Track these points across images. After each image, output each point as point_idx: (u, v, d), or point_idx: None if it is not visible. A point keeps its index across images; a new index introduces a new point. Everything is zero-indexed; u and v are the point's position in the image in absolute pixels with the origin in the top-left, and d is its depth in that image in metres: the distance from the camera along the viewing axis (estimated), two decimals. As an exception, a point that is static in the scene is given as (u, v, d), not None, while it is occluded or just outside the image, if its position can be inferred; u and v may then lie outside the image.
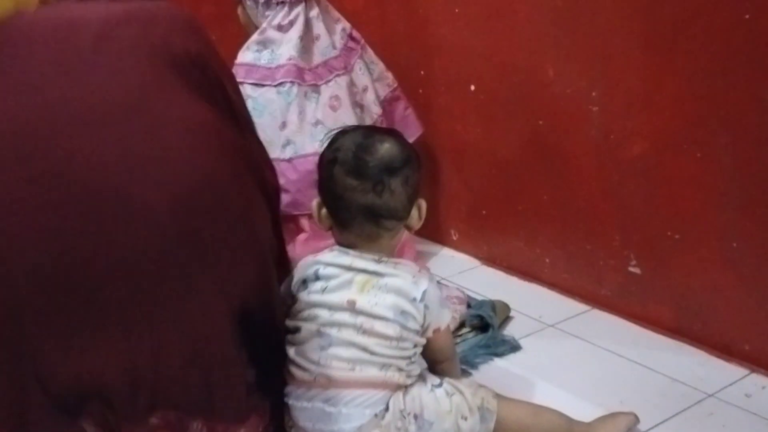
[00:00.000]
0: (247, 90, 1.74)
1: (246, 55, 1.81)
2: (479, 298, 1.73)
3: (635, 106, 1.50)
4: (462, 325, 1.64)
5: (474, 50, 1.82)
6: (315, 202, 1.25)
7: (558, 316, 1.67)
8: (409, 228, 1.25)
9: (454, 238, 2.08)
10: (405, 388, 1.19)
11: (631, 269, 1.60)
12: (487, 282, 1.87)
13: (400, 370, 1.18)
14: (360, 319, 1.16)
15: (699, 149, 1.41)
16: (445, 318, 1.23)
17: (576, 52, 1.59)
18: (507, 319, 1.68)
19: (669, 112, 1.44)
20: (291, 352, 1.20)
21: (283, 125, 1.77)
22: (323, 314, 1.18)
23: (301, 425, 1.20)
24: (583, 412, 1.27)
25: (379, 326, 1.16)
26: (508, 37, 1.73)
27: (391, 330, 1.16)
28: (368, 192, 1.18)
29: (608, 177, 1.60)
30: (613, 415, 1.27)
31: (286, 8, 1.80)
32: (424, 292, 1.18)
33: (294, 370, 1.19)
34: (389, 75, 1.93)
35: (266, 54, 1.80)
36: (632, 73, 1.48)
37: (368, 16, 2.09)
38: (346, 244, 1.23)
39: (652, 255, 1.55)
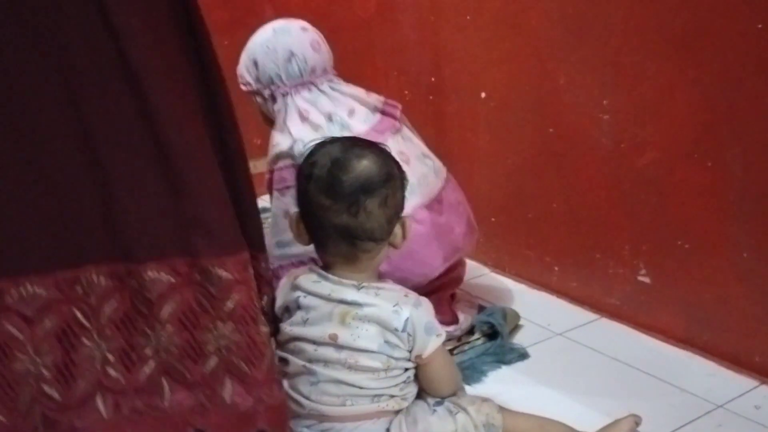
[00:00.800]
0: None
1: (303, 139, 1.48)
2: (488, 305, 1.73)
3: (646, 114, 1.49)
4: (471, 331, 1.64)
5: (485, 58, 1.82)
6: (293, 214, 1.20)
7: (566, 325, 1.66)
8: (393, 245, 1.20)
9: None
10: (406, 409, 1.17)
11: (641, 278, 1.59)
12: (496, 289, 1.86)
13: (392, 396, 1.16)
14: (344, 354, 1.14)
15: (710, 159, 1.40)
16: (430, 346, 1.15)
17: (587, 60, 1.58)
18: (516, 327, 1.67)
19: (680, 121, 1.44)
20: (285, 384, 1.18)
21: None
22: (308, 349, 1.16)
23: None
24: (590, 421, 1.26)
25: (364, 360, 1.13)
26: (520, 44, 1.73)
27: (377, 362, 1.14)
28: (342, 212, 1.12)
29: (618, 185, 1.59)
30: (615, 422, 1.25)
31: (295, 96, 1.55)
32: (406, 321, 1.13)
33: (290, 401, 1.18)
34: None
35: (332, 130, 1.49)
36: (644, 81, 1.48)
37: (379, 23, 2.09)
38: (324, 262, 1.20)
39: (661, 264, 1.55)
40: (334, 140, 1.19)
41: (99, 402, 0.96)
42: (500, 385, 1.46)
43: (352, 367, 1.14)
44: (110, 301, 0.96)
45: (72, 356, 0.95)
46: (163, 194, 0.95)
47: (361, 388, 1.14)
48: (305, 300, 1.17)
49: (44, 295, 0.93)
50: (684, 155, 1.44)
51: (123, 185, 0.94)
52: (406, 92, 2.05)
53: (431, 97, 2.01)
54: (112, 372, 0.97)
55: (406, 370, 1.17)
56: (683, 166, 1.45)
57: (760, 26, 1.28)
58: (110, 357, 0.96)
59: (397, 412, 1.17)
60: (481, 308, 1.71)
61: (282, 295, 1.22)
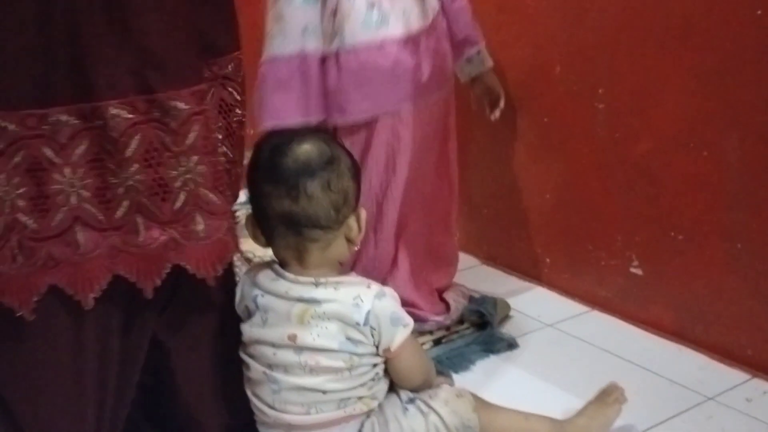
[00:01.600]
0: None
1: None
2: (479, 295, 1.71)
3: (642, 103, 1.48)
4: (461, 321, 1.62)
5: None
6: (246, 216, 1.14)
7: (557, 317, 1.64)
8: (350, 241, 1.12)
9: (455, 237, 2.05)
10: (378, 407, 1.12)
11: (633, 270, 1.57)
12: (487, 281, 1.84)
13: (360, 398, 1.10)
14: (304, 356, 1.08)
15: (706, 148, 1.38)
16: (398, 337, 1.09)
17: (584, 48, 1.57)
18: (506, 317, 1.65)
19: (676, 110, 1.42)
20: (248, 390, 1.15)
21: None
22: (267, 353, 1.10)
23: None
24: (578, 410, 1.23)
25: (325, 360, 1.07)
26: (516, 33, 1.72)
27: (339, 362, 1.08)
28: (283, 198, 1.07)
29: (612, 176, 1.57)
30: (600, 402, 1.20)
31: None
32: (368, 314, 1.07)
33: (254, 408, 1.15)
34: None
35: None
36: (640, 70, 1.46)
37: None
38: (279, 259, 1.13)
39: (654, 256, 1.53)
40: (281, 131, 1.16)
41: (78, 234, 0.98)
42: (488, 374, 1.44)
43: (313, 370, 1.08)
44: (80, 140, 0.97)
45: (44, 190, 0.97)
46: (116, 29, 0.96)
47: (324, 392, 1.08)
48: (263, 300, 1.12)
49: (12, 128, 0.95)
50: (679, 145, 1.42)
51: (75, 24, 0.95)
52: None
53: (426, 87, 1.99)
54: (89, 207, 0.99)
55: (375, 365, 1.11)
56: (678, 155, 1.43)
57: (759, 12, 1.26)
58: (85, 194, 0.98)
59: (368, 413, 1.12)
60: (472, 298, 1.68)
61: (242, 292, 1.16)
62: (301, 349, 1.08)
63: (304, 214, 1.07)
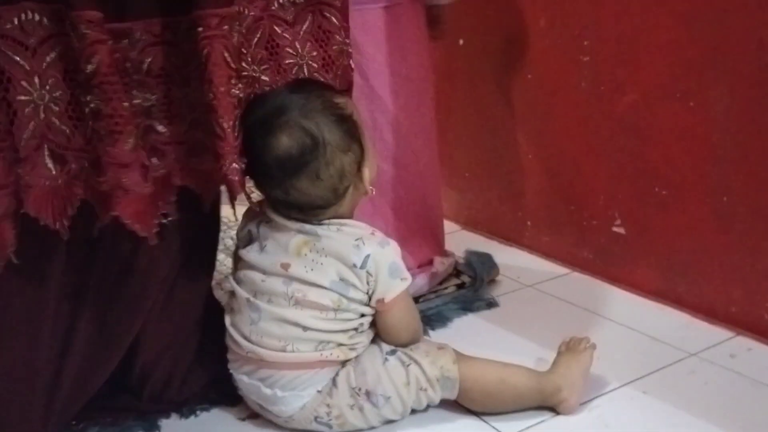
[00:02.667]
0: None
1: None
2: (460, 260, 1.66)
3: (627, 53, 1.43)
4: (454, 274, 1.58)
5: (462, 2, 1.75)
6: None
7: (537, 278, 1.59)
8: (365, 194, 1.11)
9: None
10: (355, 358, 1.09)
11: (615, 229, 1.53)
12: (466, 245, 1.78)
13: (340, 345, 1.07)
14: (293, 287, 1.05)
15: (692, 98, 1.34)
16: (394, 289, 1.07)
17: (569, -1, 1.52)
18: (493, 281, 1.60)
19: (663, 59, 1.37)
20: (227, 320, 1.12)
21: None
22: (256, 279, 1.08)
23: (245, 394, 1.12)
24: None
25: (313, 295, 1.04)
26: (500, -13, 1.67)
27: (327, 300, 1.04)
28: (275, 189, 1.05)
29: (596, 132, 1.53)
30: (572, 352, 1.16)
31: None
32: (366, 258, 1.04)
33: (229, 340, 1.11)
34: None
35: None
36: (625, 18, 1.42)
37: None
38: None
39: (638, 213, 1.48)
40: (266, 99, 1.05)
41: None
42: (465, 331, 1.40)
43: (298, 303, 1.05)
44: (51, 45, 0.91)
45: (8, 99, 0.90)
46: None
47: (305, 328, 1.04)
48: (264, 227, 1.09)
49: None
50: (665, 96, 1.38)
51: None
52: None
53: (408, 47, 1.94)
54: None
55: (362, 315, 1.08)
56: (664, 107, 1.39)
57: (750, -47, 1.22)
58: (54, 108, 0.92)
59: (344, 363, 1.08)
60: (472, 254, 1.63)
61: (246, 218, 1.14)
62: (291, 279, 1.05)
63: (298, 203, 1.06)
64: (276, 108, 1.02)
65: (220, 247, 1.79)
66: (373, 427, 1.10)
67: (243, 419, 1.14)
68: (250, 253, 1.10)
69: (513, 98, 1.70)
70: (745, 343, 1.31)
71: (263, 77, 1.04)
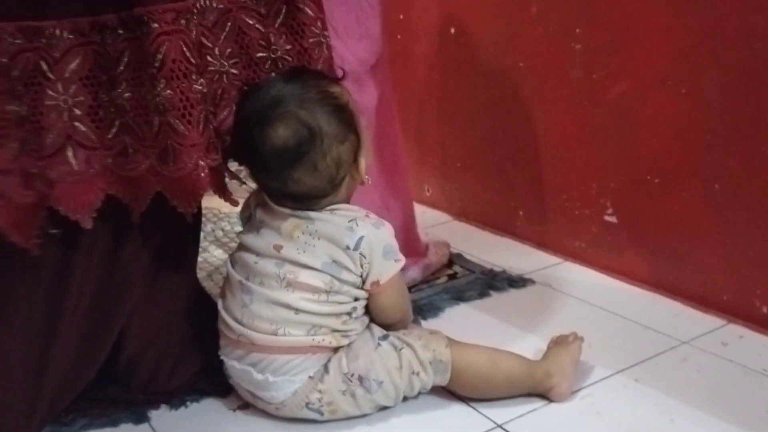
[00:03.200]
0: None
1: None
2: (453, 251, 1.66)
3: (620, 41, 1.42)
4: (447, 265, 1.59)
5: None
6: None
7: (528, 268, 1.59)
8: (360, 183, 1.11)
9: (428, 194, 2.00)
10: (347, 345, 1.08)
11: (607, 218, 1.52)
12: (459, 236, 1.78)
13: (333, 331, 1.06)
14: (285, 269, 1.05)
15: (684, 85, 1.33)
16: (389, 271, 1.07)
17: (561, -14, 1.51)
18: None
19: (655, 46, 1.37)
20: (220, 304, 1.11)
21: None
22: (249, 261, 1.08)
23: (236, 381, 1.11)
24: (548, 350, 1.19)
25: (305, 276, 1.04)
26: (492, -25, 1.66)
27: (319, 281, 1.04)
28: (273, 180, 1.05)
29: (588, 120, 1.52)
30: (561, 344, 1.17)
31: None
32: (360, 239, 1.04)
33: (221, 325, 1.11)
34: None
35: None
36: (618, 5, 1.41)
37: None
38: None
39: (629, 202, 1.48)
40: (260, 89, 1.04)
41: (69, 154, 0.96)
42: (457, 320, 1.39)
43: (290, 285, 1.04)
44: (74, 55, 0.94)
45: (38, 106, 0.93)
46: None
47: (297, 311, 1.04)
48: (261, 211, 1.10)
49: (9, 40, 0.91)
50: (658, 83, 1.37)
51: None
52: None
53: (399, 36, 1.93)
54: (80, 126, 0.96)
55: (356, 299, 1.08)
56: (656, 94, 1.38)
57: (742, -62, 1.21)
58: (77, 111, 0.95)
59: (336, 350, 1.08)
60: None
61: (248, 201, 1.15)
62: (283, 261, 1.05)
63: (295, 193, 1.05)
64: (272, 99, 1.01)
65: (211, 238, 1.80)
66: (365, 414, 1.09)
67: (234, 410, 1.14)
68: (247, 236, 1.11)
69: (505, 87, 1.69)
70: (737, 330, 1.30)
71: (233, 71, 1.02)
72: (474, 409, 1.11)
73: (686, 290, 1.40)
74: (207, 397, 1.16)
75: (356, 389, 1.06)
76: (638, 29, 1.38)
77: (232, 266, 1.11)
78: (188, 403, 1.15)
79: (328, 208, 1.08)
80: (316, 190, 1.06)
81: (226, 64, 1.01)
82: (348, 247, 1.04)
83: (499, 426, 1.07)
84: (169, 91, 0.93)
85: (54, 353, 1.05)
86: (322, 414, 1.07)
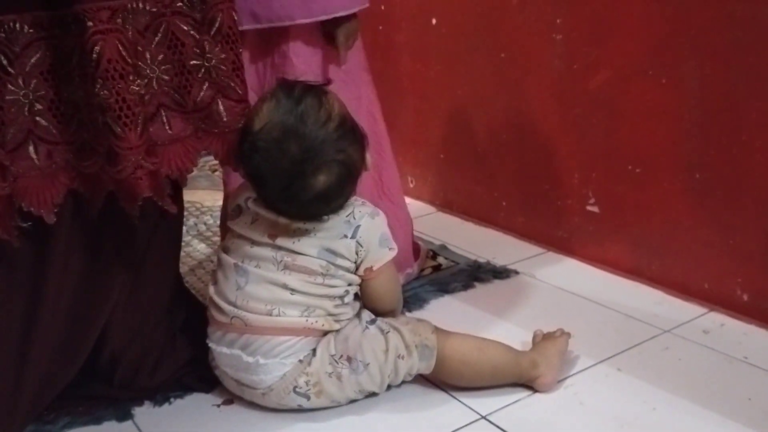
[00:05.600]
0: None
1: None
2: (437, 242, 1.67)
3: (600, 31, 1.42)
4: (431, 257, 1.60)
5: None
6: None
7: (511, 258, 1.59)
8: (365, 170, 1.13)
9: (411, 185, 1.99)
10: (337, 330, 1.09)
11: (589, 208, 1.53)
12: (442, 227, 1.79)
13: (327, 314, 1.08)
14: (281, 254, 1.07)
15: (665, 74, 1.34)
16: (382, 258, 1.10)
17: (541, -24, 1.51)
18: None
19: (636, 36, 1.37)
20: (211, 290, 1.12)
21: None
22: (245, 246, 1.09)
23: (223, 369, 1.11)
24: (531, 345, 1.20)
25: (302, 260, 1.07)
26: (472, -35, 1.65)
27: (316, 266, 1.07)
28: (293, 208, 1.07)
29: (570, 110, 1.52)
30: (547, 337, 1.19)
31: None
32: (357, 228, 1.08)
33: (212, 310, 1.11)
34: None
35: None
36: (598, -5, 1.41)
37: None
38: None
39: (611, 192, 1.48)
40: (276, 121, 1.03)
41: (31, 149, 0.95)
42: (442, 311, 1.39)
43: (288, 267, 1.06)
44: (34, 49, 0.92)
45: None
46: None
47: (293, 291, 1.06)
48: (254, 203, 1.10)
49: None
50: (638, 72, 1.37)
51: None
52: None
53: (380, 27, 1.92)
54: (41, 121, 0.95)
55: (349, 284, 1.10)
56: (637, 84, 1.38)
57: (720, -73, 1.21)
58: (39, 106, 0.94)
59: (326, 333, 1.09)
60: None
61: (235, 197, 1.15)
62: (278, 248, 1.07)
63: (313, 215, 1.08)
64: (303, 150, 1.02)
65: (193, 232, 1.79)
66: (349, 399, 1.10)
67: (218, 405, 1.13)
68: (239, 225, 1.11)
69: (486, 78, 1.69)
70: (718, 318, 1.32)
71: (164, 77, 1.00)
72: (458, 400, 1.11)
73: (668, 279, 1.41)
74: (191, 393, 1.16)
75: (342, 371, 1.07)
76: (618, 19, 1.39)
77: (226, 252, 1.12)
78: (172, 399, 1.15)
79: None
80: (337, 207, 1.09)
81: (156, 69, 0.99)
82: (345, 236, 1.08)
83: (484, 417, 1.07)
84: (105, 92, 0.92)
85: (34, 351, 1.04)
86: (308, 398, 1.07)
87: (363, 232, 1.08)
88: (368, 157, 1.12)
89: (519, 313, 1.36)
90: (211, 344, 1.11)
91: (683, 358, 1.20)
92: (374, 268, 1.10)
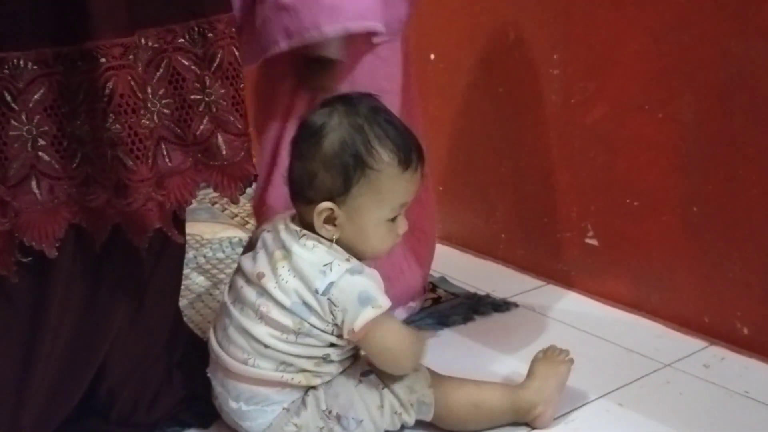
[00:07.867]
0: None
1: None
2: (436, 275, 1.66)
3: (597, 66, 1.44)
4: (430, 289, 1.58)
5: (433, 15, 1.76)
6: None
7: (511, 291, 1.59)
8: None
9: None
10: (327, 381, 1.06)
11: (588, 241, 1.53)
12: (441, 259, 1.77)
13: (303, 371, 1.04)
14: (262, 300, 1.03)
15: (661, 109, 1.35)
16: (363, 317, 1.00)
17: (538, 12, 1.53)
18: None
19: (632, 71, 1.38)
20: (213, 324, 1.11)
21: None
22: (238, 285, 1.07)
23: (220, 405, 1.10)
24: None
25: (275, 313, 1.02)
26: (468, 0, 1.68)
27: (288, 320, 1.01)
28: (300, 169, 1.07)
29: (568, 144, 1.53)
30: (549, 362, 1.15)
31: None
32: (330, 285, 1.00)
33: (209, 342, 1.10)
34: None
35: None
36: (595, 31, 1.43)
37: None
38: None
39: (610, 225, 1.49)
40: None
41: (33, 184, 0.96)
42: (440, 345, 1.38)
43: (262, 318, 1.03)
44: (38, 86, 0.94)
45: (2, 136, 0.93)
46: None
47: (266, 346, 1.02)
48: (263, 236, 1.09)
49: None
50: (635, 107, 1.39)
51: None
52: (354, 56, 1.97)
53: (380, 62, 1.94)
54: (44, 156, 0.96)
55: (331, 345, 1.03)
56: (634, 118, 1.40)
57: (714, -35, 1.24)
58: (41, 142, 0.95)
59: (308, 389, 1.05)
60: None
61: (259, 229, 1.15)
62: (262, 291, 1.03)
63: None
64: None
65: (193, 265, 1.78)
66: None
67: (215, 442, 1.13)
68: (244, 258, 1.10)
69: (484, 112, 1.71)
70: (718, 352, 1.31)
71: (164, 110, 1.01)
72: (458, 438, 1.10)
73: (668, 312, 1.41)
74: (188, 429, 1.15)
75: (334, 426, 1.04)
76: (614, 55, 1.40)
77: (228, 288, 1.11)
78: (169, 435, 1.14)
79: (313, 238, 1.04)
80: (314, 196, 1.05)
81: (158, 103, 1.01)
82: (317, 291, 1.01)
83: (483, 454, 1.07)
84: (117, 126, 0.93)
85: (33, 385, 1.04)
86: None
87: (336, 291, 1.00)
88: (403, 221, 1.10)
89: (519, 347, 1.36)
90: (209, 375, 1.10)
91: (684, 392, 1.20)
92: (355, 329, 1.00)
